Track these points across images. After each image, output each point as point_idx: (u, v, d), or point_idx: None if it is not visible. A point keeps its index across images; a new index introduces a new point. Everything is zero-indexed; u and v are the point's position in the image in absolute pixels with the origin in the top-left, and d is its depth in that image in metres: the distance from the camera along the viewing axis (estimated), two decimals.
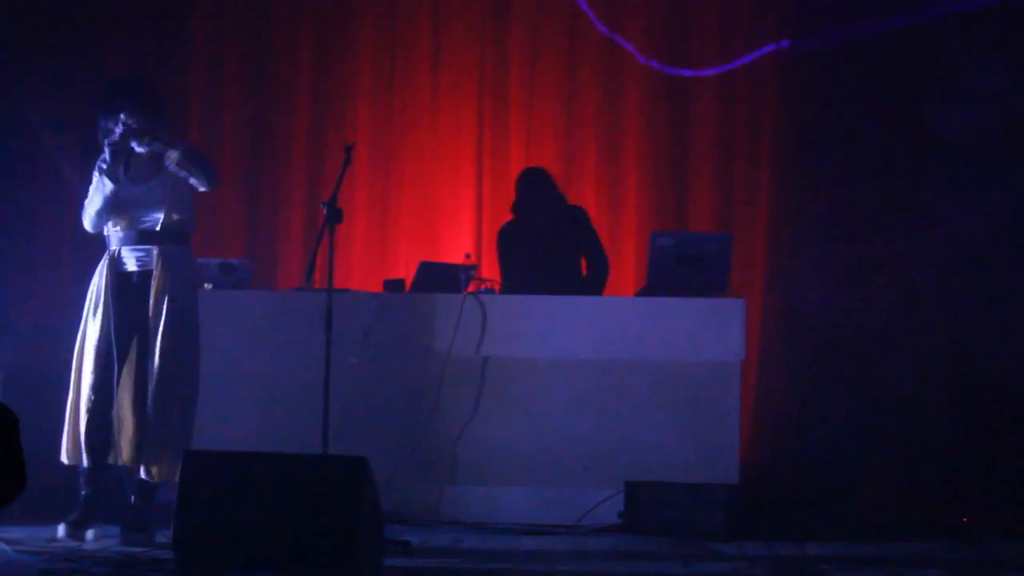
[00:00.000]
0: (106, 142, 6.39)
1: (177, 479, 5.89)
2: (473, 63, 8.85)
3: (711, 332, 7.23)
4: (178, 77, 8.79)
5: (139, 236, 6.41)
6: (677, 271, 7.36)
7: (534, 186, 7.73)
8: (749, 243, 8.43)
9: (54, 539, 6.29)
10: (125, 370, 6.39)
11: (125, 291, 6.39)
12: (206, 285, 7.43)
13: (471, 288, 7.48)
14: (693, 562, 6.26)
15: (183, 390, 6.41)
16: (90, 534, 6.30)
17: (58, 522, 6.35)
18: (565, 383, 7.27)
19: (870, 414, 8.12)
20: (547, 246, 7.66)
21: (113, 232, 6.44)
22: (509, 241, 7.81)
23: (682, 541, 6.73)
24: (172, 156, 6.35)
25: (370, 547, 5.61)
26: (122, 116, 6.38)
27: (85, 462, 6.36)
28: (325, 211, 6.74)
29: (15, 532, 6.44)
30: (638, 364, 7.25)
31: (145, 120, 6.41)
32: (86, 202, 6.47)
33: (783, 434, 8.21)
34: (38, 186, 8.44)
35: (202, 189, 6.44)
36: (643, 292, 7.58)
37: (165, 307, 6.37)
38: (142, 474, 6.37)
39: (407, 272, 8.02)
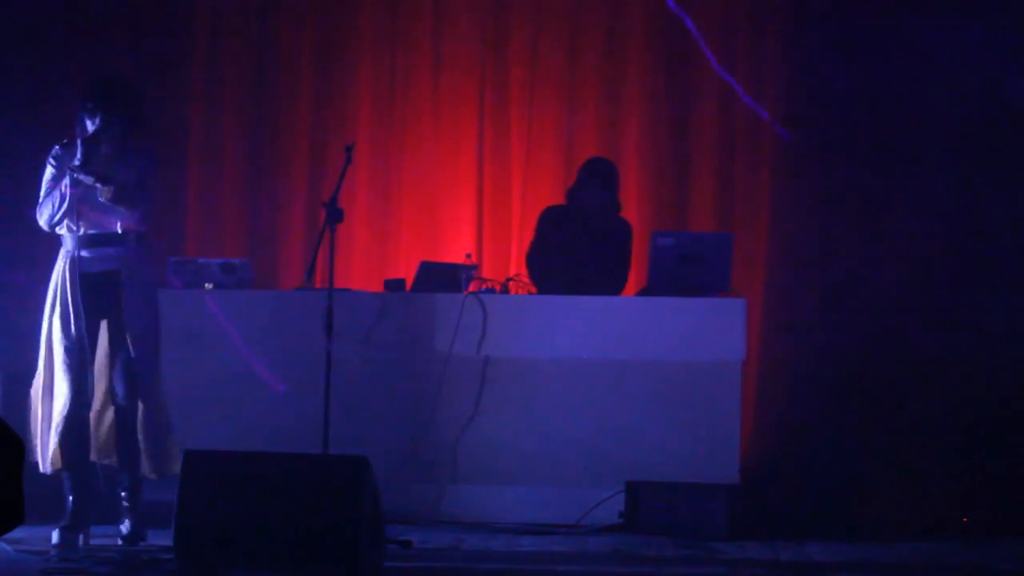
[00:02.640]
0: (79, 140, 6.30)
1: (167, 474, 6.05)
2: (474, 63, 8.85)
3: (712, 332, 7.23)
4: (179, 77, 8.79)
5: (98, 238, 6.35)
6: (678, 271, 7.35)
7: (602, 178, 7.71)
8: (750, 243, 8.42)
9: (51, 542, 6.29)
10: (97, 369, 6.39)
11: (88, 290, 6.30)
12: (207, 285, 7.43)
13: (472, 288, 7.48)
14: (694, 562, 6.26)
15: (157, 385, 6.42)
16: (80, 539, 6.29)
17: (53, 524, 6.34)
18: (566, 383, 7.27)
19: (870, 414, 8.12)
20: (591, 240, 7.65)
21: (70, 234, 6.36)
22: (554, 220, 7.78)
23: (683, 541, 6.73)
24: (106, 191, 6.26)
25: (371, 547, 5.61)
26: (100, 116, 6.30)
27: (66, 467, 6.33)
28: (326, 211, 6.74)
29: (15, 532, 6.41)
30: (639, 364, 7.25)
31: (123, 122, 6.34)
32: (44, 198, 6.36)
33: (784, 434, 8.20)
34: (37, 186, 8.42)
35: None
36: (644, 292, 7.58)
37: (133, 304, 6.34)
38: (133, 472, 6.39)
39: (408, 272, 8.02)
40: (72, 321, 6.30)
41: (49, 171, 6.42)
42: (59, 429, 6.29)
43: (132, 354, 6.33)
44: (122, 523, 6.39)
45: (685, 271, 7.35)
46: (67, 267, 6.34)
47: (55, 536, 6.24)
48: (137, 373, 6.34)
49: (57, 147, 6.45)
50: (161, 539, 6.21)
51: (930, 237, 8.29)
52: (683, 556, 6.41)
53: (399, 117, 8.87)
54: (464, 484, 7.27)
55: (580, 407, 7.25)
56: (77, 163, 6.26)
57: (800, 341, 8.28)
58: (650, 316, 7.30)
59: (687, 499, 6.91)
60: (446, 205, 8.80)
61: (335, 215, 6.69)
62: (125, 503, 6.39)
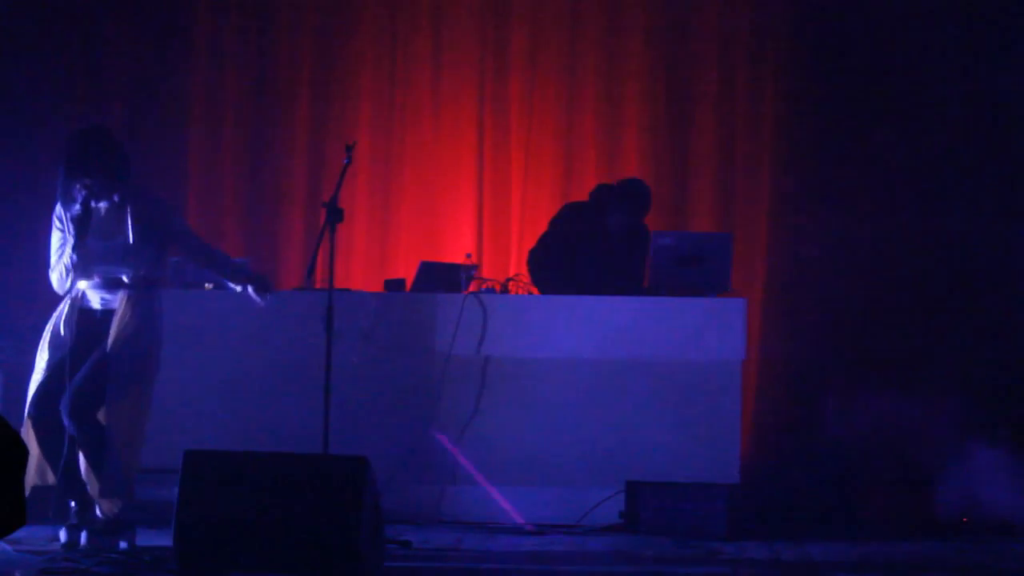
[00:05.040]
0: (67, 214, 6.27)
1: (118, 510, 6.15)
2: (473, 63, 8.85)
3: (712, 332, 7.23)
4: (179, 77, 8.79)
5: (105, 284, 6.33)
6: (678, 271, 7.35)
7: (638, 203, 7.68)
8: (750, 243, 8.43)
9: (55, 540, 6.29)
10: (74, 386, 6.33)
11: (87, 325, 6.30)
12: (207, 285, 7.43)
13: (472, 288, 7.48)
14: (694, 562, 6.26)
15: (137, 421, 6.32)
16: (83, 536, 6.28)
17: (58, 524, 6.35)
18: (566, 383, 7.27)
19: (871, 414, 8.12)
20: (610, 250, 7.64)
21: (79, 282, 6.35)
22: (574, 222, 7.75)
23: (683, 540, 6.74)
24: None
25: (371, 547, 5.61)
26: (84, 181, 6.24)
27: (54, 471, 6.29)
28: (326, 211, 6.74)
29: (16, 532, 6.42)
30: (639, 364, 7.25)
31: (106, 179, 6.27)
32: (54, 262, 6.36)
33: (784, 434, 8.21)
34: (37, 187, 8.43)
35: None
36: (644, 292, 7.57)
37: (125, 338, 6.30)
38: (98, 511, 6.31)
39: (408, 272, 8.02)
40: (62, 340, 6.28)
41: (56, 236, 6.38)
42: (35, 435, 6.24)
43: (116, 390, 6.29)
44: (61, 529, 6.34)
45: (685, 271, 7.35)
46: (68, 304, 6.34)
47: (63, 535, 6.25)
48: (122, 409, 6.30)
49: (59, 206, 6.40)
50: (161, 539, 6.20)
51: (930, 237, 8.30)
52: (683, 556, 6.41)
53: (399, 117, 8.87)
54: (464, 484, 7.27)
55: (580, 407, 7.25)
56: (72, 244, 6.26)
57: (800, 341, 8.28)
58: (650, 316, 7.30)
59: (687, 499, 6.91)
60: (446, 205, 8.81)
61: (335, 215, 6.68)
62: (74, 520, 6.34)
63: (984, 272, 8.22)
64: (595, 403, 7.25)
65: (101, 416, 6.21)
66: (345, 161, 6.76)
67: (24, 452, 3.83)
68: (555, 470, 7.22)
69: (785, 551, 6.55)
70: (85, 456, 6.22)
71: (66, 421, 6.21)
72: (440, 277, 7.54)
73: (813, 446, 8.03)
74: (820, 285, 8.37)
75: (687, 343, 7.24)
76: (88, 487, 6.25)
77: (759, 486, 7.56)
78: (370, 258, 8.78)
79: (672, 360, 7.25)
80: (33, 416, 6.27)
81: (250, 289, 6.47)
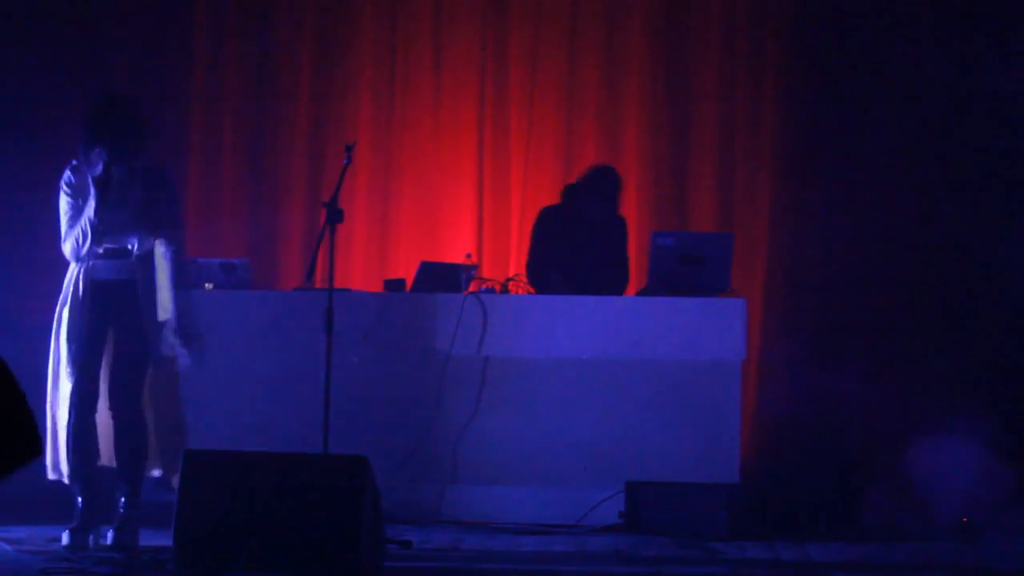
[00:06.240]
0: (90, 176, 6.29)
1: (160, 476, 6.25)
2: (474, 63, 8.85)
3: (712, 332, 7.23)
4: (179, 77, 8.80)
5: (114, 253, 6.35)
6: (678, 271, 7.36)
7: (605, 191, 7.70)
8: (750, 243, 8.43)
9: (55, 540, 6.28)
10: (110, 373, 6.37)
11: (101, 298, 6.31)
12: (207, 285, 7.43)
13: (472, 288, 7.48)
14: (694, 562, 6.26)
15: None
16: (91, 539, 6.28)
17: (59, 523, 6.34)
18: (566, 383, 7.27)
19: (871, 413, 8.12)
20: (591, 242, 7.65)
21: (87, 250, 6.37)
22: (552, 223, 7.77)
23: (683, 541, 6.73)
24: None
25: (371, 547, 5.61)
26: (102, 148, 6.27)
27: (72, 476, 6.31)
28: (326, 211, 6.74)
29: (16, 532, 6.44)
30: (639, 364, 7.26)
31: (124, 147, 6.31)
32: (66, 231, 6.35)
33: (784, 434, 8.21)
34: (37, 186, 8.42)
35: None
36: (644, 292, 7.58)
37: (147, 310, 6.34)
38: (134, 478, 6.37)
39: (408, 272, 8.02)
40: (80, 327, 6.30)
41: (65, 201, 6.37)
42: (67, 434, 6.28)
43: (147, 360, 6.35)
44: (110, 529, 6.33)
45: (685, 271, 7.35)
46: (80, 275, 6.34)
47: (65, 537, 6.22)
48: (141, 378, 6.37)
49: (68, 172, 6.40)
50: (161, 539, 6.20)
51: (931, 237, 8.30)
52: (683, 556, 6.41)
53: (399, 117, 8.87)
54: (464, 484, 7.27)
55: (580, 407, 7.25)
56: (94, 206, 6.26)
57: (800, 341, 8.28)
58: (650, 316, 7.30)
59: (687, 499, 6.91)
60: (446, 205, 8.80)
61: (335, 215, 6.69)
62: (122, 510, 6.35)
63: (984, 273, 8.22)
64: (595, 403, 7.25)
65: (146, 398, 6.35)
66: (345, 161, 6.76)
67: (17, 388, 3.72)
68: (555, 470, 7.23)
69: (785, 551, 6.55)
70: (131, 441, 6.30)
71: (112, 412, 6.31)
72: (440, 277, 7.54)
73: (813, 446, 8.03)
74: (820, 285, 8.37)
75: (687, 343, 7.24)
76: (124, 472, 6.32)
77: (759, 486, 7.56)
78: (370, 258, 8.78)
79: (672, 360, 7.25)
80: (75, 413, 6.28)
81: (177, 341, 6.39)
